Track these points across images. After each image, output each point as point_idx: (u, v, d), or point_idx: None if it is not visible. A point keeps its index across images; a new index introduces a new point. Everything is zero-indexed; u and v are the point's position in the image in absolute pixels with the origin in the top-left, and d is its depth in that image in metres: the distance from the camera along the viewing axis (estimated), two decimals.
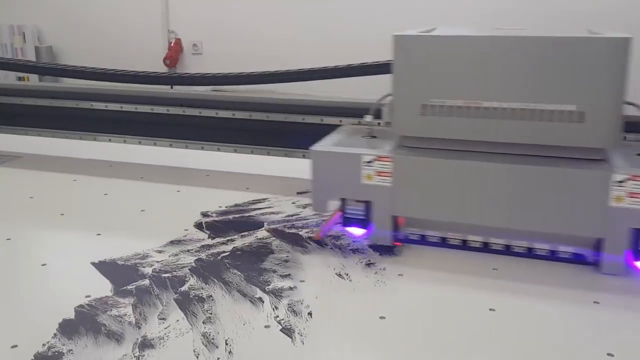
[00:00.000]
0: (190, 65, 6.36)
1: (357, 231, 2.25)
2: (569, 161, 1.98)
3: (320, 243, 2.24)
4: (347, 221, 2.25)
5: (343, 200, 2.23)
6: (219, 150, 3.08)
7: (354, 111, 2.69)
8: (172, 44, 6.37)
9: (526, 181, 2.00)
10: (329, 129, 2.58)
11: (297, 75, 2.90)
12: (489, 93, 1.98)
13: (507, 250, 2.14)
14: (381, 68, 2.65)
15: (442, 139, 2.10)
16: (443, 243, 2.21)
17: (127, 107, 3.17)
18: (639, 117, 2.13)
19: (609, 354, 1.58)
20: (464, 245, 2.19)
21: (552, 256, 2.09)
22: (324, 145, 2.30)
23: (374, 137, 2.39)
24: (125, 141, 3.23)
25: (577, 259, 2.07)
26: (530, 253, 2.12)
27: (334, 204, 2.25)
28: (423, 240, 2.24)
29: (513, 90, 1.96)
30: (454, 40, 2.03)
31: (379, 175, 2.14)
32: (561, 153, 2.00)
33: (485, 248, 2.17)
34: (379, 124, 2.37)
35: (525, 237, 2.11)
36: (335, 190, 2.23)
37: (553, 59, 1.90)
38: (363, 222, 2.22)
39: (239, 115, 2.98)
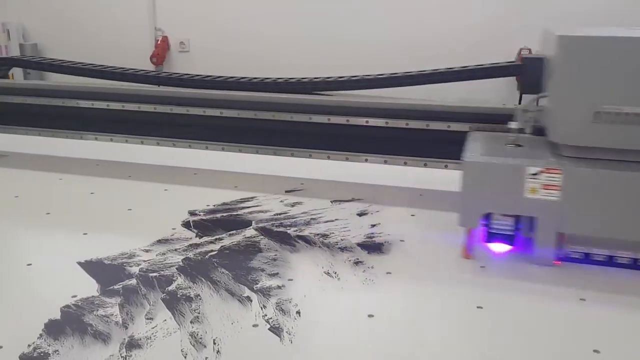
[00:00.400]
0: (177, 63, 6.31)
1: (501, 247, 2.14)
2: None
3: (310, 241, 2.23)
4: (491, 236, 2.12)
5: (487, 214, 2.09)
6: (206, 148, 3.06)
7: (477, 117, 2.54)
8: (158, 42, 6.32)
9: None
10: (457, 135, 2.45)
11: (411, 79, 2.75)
12: None
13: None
14: (506, 70, 2.62)
15: (613, 149, 1.94)
16: (610, 262, 2.04)
17: (113, 105, 3.14)
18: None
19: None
20: (634, 264, 2.02)
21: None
22: (477, 155, 2.09)
23: (520, 145, 2.17)
24: (112, 140, 3.19)
25: None
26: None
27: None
28: (587, 259, 2.06)
29: None
30: (631, 41, 1.88)
31: (546, 189, 1.97)
32: None
33: None
34: (519, 130, 2.21)
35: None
36: (490, 204, 2.06)
37: None
38: (509, 238, 2.11)
39: (227, 113, 2.95)
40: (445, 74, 2.72)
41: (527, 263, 2.07)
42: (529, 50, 5.49)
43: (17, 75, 6.17)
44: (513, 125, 2.19)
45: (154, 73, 3.51)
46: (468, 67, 2.71)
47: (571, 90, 1.94)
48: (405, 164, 2.69)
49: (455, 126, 2.55)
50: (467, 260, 2.11)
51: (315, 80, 2.87)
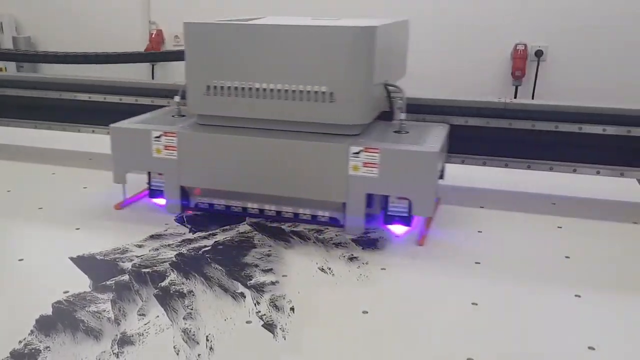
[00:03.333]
0: None
1: (159, 201, 2.51)
2: (320, 135, 2.21)
3: (304, 237, 2.22)
4: (153, 193, 2.51)
5: (149, 174, 2.49)
6: None
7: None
8: (153, 35, 6.30)
9: (287, 153, 2.23)
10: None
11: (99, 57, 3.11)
12: (257, 75, 2.21)
13: (279, 216, 2.37)
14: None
15: (224, 117, 2.32)
16: (228, 210, 2.42)
17: (110, 98, 3.13)
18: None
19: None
20: (245, 212, 2.40)
21: (314, 220, 2.33)
22: (124, 122, 2.49)
23: (183, 116, 2.57)
24: (108, 132, 3.17)
25: (332, 222, 2.30)
26: (297, 218, 2.35)
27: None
28: (211, 209, 2.43)
29: (275, 73, 2.19)
30: (227, 27, 2.24)
31: (167, 150, 2.35)
32: (321, 129, 2.22)
33: (261, 214, 2.39)
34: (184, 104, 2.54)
35: (292, 204, 2.34)
36: (131, 163, 2.46)
37: (306, 45, 2.13)
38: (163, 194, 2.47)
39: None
40: (89, 56, 3.06)
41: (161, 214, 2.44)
42: (524, 45, 5.49)
43: (10, 68, 6.13)
44: (176, 99, 2.57)
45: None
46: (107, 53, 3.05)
47: (192, 67, 2.31)
48: None
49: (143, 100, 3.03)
50: (465, 256, 2.10)
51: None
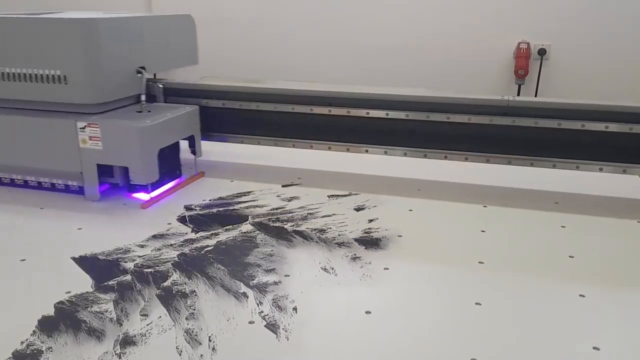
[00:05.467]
0: None
1: None
2: (61, 114, 2.54)
3: (307, 236, 2.21)
4: None
5: None
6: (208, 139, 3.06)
7: None
8: None
9: (30, 130, 2.58)
10: None
11: None
12: (3, 61, 2.54)
13: (26, 185, 2.74)
14: None
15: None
16: (13, 183, 2.76)
17: None
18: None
19: None
20: (13, 183, 2.76)
21: (53, 188, 2.69)
22: None
23: None
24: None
25: (70, 190, 2.66)
26: (40, 186, 2.72)
27: None
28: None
29: (16, 58, 2.51)
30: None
31: None
32: (62, 108, 2.54)
33: (26, 185, 2.74)
34: None
35: (38, 173, 2.70)
36: None
37: (36, 35, 2.46)
38: None
39: (229, 105, 2.94)
40: None
41: None
42: (527, 44, 5.48)
43: None
44: None
45: None
46: None
47: None
48: (405, 154, 2.75)
49: None
50: (466, 256, 2.09)
51: None
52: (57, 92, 2.49)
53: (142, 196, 2.58)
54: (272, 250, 2.12)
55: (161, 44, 2.87)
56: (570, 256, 2.10)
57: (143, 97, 2.64)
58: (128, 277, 1.92)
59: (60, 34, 2.43)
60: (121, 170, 2.55)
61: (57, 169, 2.61)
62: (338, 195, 2.67)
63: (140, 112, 2.61)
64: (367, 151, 2.77)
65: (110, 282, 1.89)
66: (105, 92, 2.56)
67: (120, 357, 1.53)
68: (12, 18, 2.49)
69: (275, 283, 1.90)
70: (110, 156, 2.49)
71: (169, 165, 2.70)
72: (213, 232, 2.27)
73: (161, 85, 2.87)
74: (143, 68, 2.67)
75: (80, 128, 2.48)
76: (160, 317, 1.71)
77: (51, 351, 1.55)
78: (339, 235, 2.23)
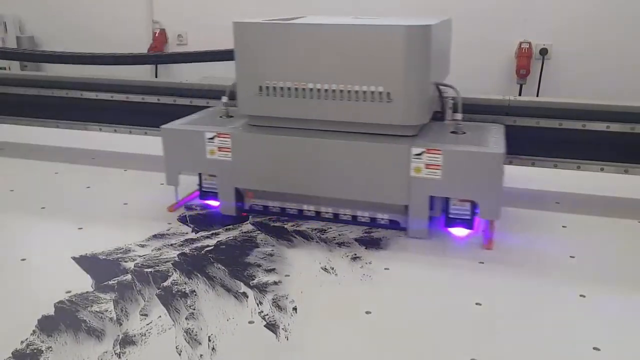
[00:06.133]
0: None
1: (212, 203, 2.47)
2: (378, 137, 2.16)
3: (307, 236, 2.21)
4: (204, 194, 2.46)
5: (200, 175, 2.44)
6: None
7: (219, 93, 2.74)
8: (156, 35, 6.29)
9: (344, 155, 2.18)
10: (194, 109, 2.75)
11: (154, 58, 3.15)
12: (311, 75, 2.17)
13: (336, 219, 2.34)
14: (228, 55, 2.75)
15: (276, 117, 2.27)
16: (282, 213, 2.38)
17: (117, 97, 3.13)
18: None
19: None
20: (300, 215, 2.37)
21: (373, 223, 2.29)
22: (175, 124, 2.44)
23: (231, 117, 2.50)
24: (115, 130, 3.19)
25: (393, 226, 2.27)
26: (355, 220, 2.32)
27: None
28: (266, 211, 2.40)
29: (330, 73, 2.14)
30: (280, 27, 2.20)
31: (221, 151, 2.30)
32: (377, 130, 2.17)
33: (317, 217, 2.36)
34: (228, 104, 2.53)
35: (350, 206, 2.31)
36: (183, 164, 2.42)
37: (360, 45, 2.09)
38: (217, 195, 2.43)
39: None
40: (174, 55, 3.05)
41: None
42: (529, 43, 5.47)
43: (14, 67, 6.13)
44: (223, 99, 2.51)
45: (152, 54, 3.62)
46: (197, 51, 3.07)
47: (243, 68, 2.26)
48: None
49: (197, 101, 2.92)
50: (468, 255, 2.09)
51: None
52: (376, 112, 2.12)
53: (459, 231, 2.21)
54: (272, 250, 2.12)
55: (445, 52, 2.56)
56: (571, 256, 2.10)
57: (459, 116, 2.28)
58: (128, 277, 1.92)
59: (386, 43, 2.06)
60: (442, 202, 2.19)
61: (372, 200, 2.22)
62: None
63: (455, 132, 2.26)
64: None
65: (111, 282, 1.89)
66: (427, 111, 2.23)
67: (120, 357, 1.53)
68: (329, 25, 2.14)
69: (275, 283, 1.90)
70: (452, 187, 2.09)
71: None
72: (213, 232, 2.27)
73: (452, 100, 2.36)
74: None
75: (416, 154, 2.08)
76: (160, 316, 1.71)
77: (51, 351, 1.55)
78: (339, 235, 2.23)
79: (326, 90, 2.15)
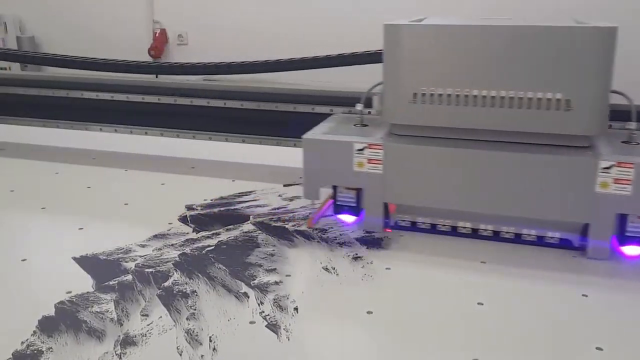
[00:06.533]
0: (175, 56, 6.28)
1: (348, 218, 2.26)
2: (556, 148, 2.00)
3: (308, 236, 2.20)
4: (338, 208, 2.26)
5: (334, 187, 2.22)
6: (210, 139, 3.05)
7: (346, 100, 2.64)
8: (157, 35, 6.29)
9: (514, 168, 2.01)
10: (320, 117, 2.56)
11: (289, 64, 2.89)
12: (478, 81, 2.00)
13: (496, 237, 2.16)
14: (372, 57, 2.65)
15: (431, 127, 2.13)
16: (432, 229, 2.22)
17: (118, 97, 3.13)
18: (625, 106, 2.15)
19: (597, 348, 1.57)
20: (453, 232, 2.19)
21: (540, 241, 2.11)
22: (316, 133, 2.28)
23: (365, 125, 2.37)
24: (116, 130, 3.19)
25: (563, 244, 2.10)
26: (518, 239, 2.14)
27: (325, 192, 2.28)
28: (413, 227, 2.24)
29: (501, 79, 1.99)
30: (444, 29, 2.04)
31: (370, 163, 2.14)
32: (549, 140, 2.02)
33: (474, 234, 2.18)
34: (369, 112, 2.38)
35: (513, 223, 2.12)
36: (326, 177, 2.24)
37: (540, 47, 1.93)
38: (354, 210, 2.23)
39: (230, 104, 2.95)
40: (319, 59, 2.87)
41: (358, 232, 2.25)
42: None
43: (14, 67, 6.12)
44: (358, 107, 2.36)
45: (155, 64, 3.55)
46: (341, 54, 2.87)
47: (394, 73, 2.11)
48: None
49: (319, 109, 2.76)
50: (470, 255, 2.08)
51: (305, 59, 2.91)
52: (552, 121, 1.96)
53: (633, 250, 2.00)
54: (273, 250, 2.11)
55: None
56: (573, 256, 2.09)
57: (634, 125, 2.10)
58: (129, 277, 1.91)
59: (570, 45, 1.90)
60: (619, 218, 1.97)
61: (543, 217, 2.05)
62: None
63: (627, 142, 2.09)
64: None
65: (111, 282, 1.88)
66: (606, 120, 2.04)
67: (120, 358, 1.53)
68: (502, 27, 1.98)
69: (277, 283, 1.89)
70: None
71: None
72: (214, 231, 2.26)
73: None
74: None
75: (604, 168, 1.92)
76: (160, 317, 1.71)
77: (51, 351, 1.55)
78: (340, 234, 2.22)
79: (493, 97, 1.99)
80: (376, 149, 2.13)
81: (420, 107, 2.08)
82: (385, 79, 2.14)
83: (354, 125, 2.38)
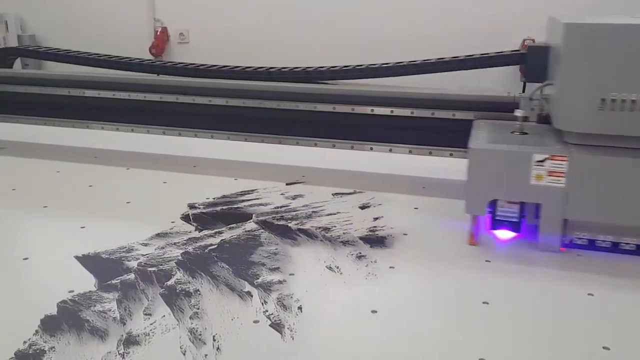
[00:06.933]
0: (177, 54, 6.26)
1: (505, 234, 2.16)
2: None
3: (311, 235, 2.19)
4: (497, 224, 2.13)
5: (493, 201, 2.10)
6: (212, 137, 3.03)
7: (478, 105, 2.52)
8: (158, 33, 6.27)
9: None
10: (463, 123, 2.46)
11: (416, 67, 2.73)
12: None
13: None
14: (510, 59, 2.60)
15: (619, 136, 1.94)
16: (615, 248, 2.06)
17: (120, 95, 3.12)
18: None
19: None
20: (638, 251, 2.05)
21: None
22: (483, 142, 2.10)
23: (525, 133, 2.18)
24: (117, 129, 3.18)
25: None
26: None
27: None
28: (591, 246, 2.08)
29: None
30: (637, 29, 1.87)
31: (551, 175, 1.99)
32: None
33: None
34: (526, 118, 2.21)
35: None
36: (495, 191, 2.07)
37: None
38: (515, 226, 2.11)
39: (232, 102, 2.93)
40: (450, 62, 2.68)
41: (532, 250, 2.08)
42: (533, 40, 5.44)
43: (15, 66, 6.10)
44: (518, 113, 2.19)
45: (159, 62, 3.51)
46: (472, 56, 2.67)
47: (577, 77, 1.94)
48: (410, 152, 2.69)
49: (460, 114, 2.54)
50: (473, 254, 2.07)
51: (321, 69, 2.85)
52: None
53: None
54: (276, 249, 2.10)
55: None
56: (578, 255, 2.08)
57: None
58: (131, 276, 1.90)
59: None
60: None
61: None
62: (343, 194, 2.65)
63: None
64: (371, 149, 2.74)
65: (114, 281, 1.87)
66: None
67: (123, 357, 1.51)
68: None
69: (280, 282, 1.88)
70: None
71: None
72: (217, 230, 2.25)
73: None
74: None
75: None
76: (164, 316, 1.70)
77: (54, 351, 1.54)
78: (343, 233, 2.21)
79: None
80: (560, 160, 1.97)
81: (609, 114, 1.90)
82: (562, 84, 1.98)
83: (511, 132, 2.19)
